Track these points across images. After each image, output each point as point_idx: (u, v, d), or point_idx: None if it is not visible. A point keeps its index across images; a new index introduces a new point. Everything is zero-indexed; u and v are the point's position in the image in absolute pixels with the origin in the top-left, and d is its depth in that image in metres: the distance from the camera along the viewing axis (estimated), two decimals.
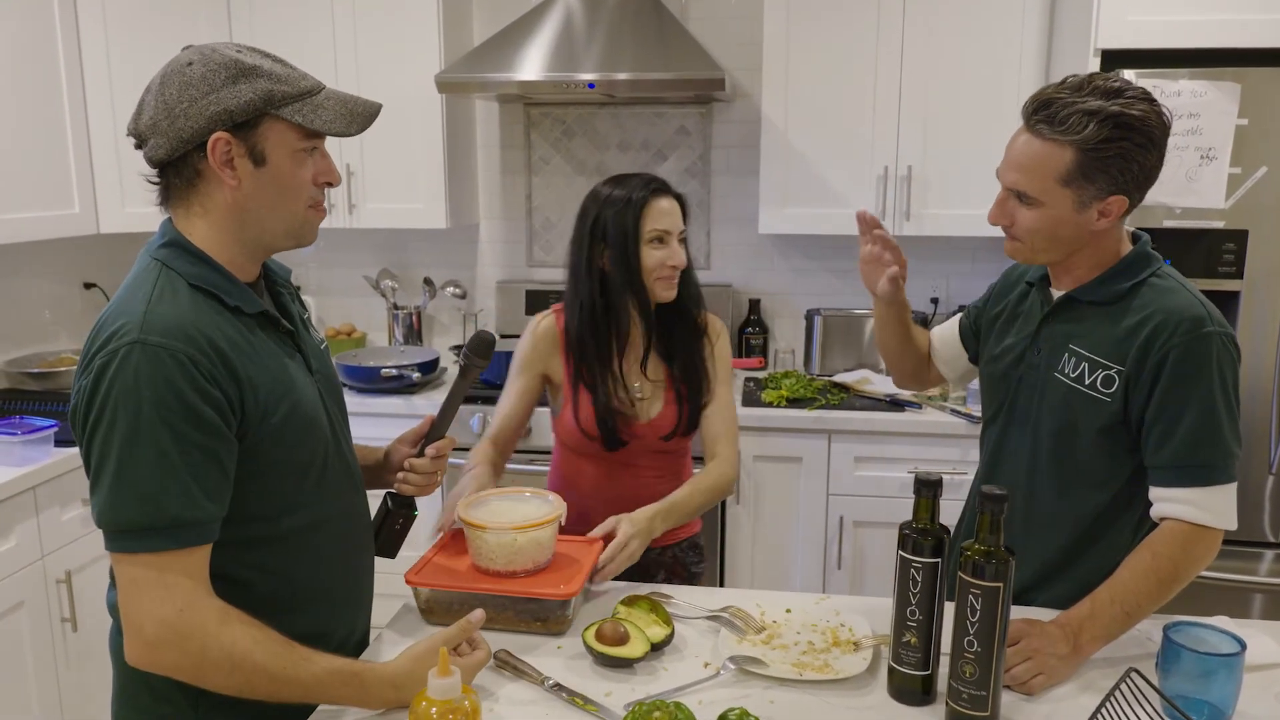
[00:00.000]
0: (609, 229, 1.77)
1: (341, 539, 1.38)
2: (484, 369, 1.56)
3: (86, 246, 3.26)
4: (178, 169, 1.21)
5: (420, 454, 1.51)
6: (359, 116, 1.25)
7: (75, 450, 2.37)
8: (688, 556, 1.97)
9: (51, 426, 2.39)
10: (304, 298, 1.41)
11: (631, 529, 1.63)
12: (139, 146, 1.23)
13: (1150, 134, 1.35)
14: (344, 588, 1.40)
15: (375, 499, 1.52)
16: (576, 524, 1.84)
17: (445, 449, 1.52)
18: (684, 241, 1.82)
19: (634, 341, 1.87)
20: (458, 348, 3.51)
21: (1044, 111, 1.37)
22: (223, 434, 1.17)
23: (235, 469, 1.20)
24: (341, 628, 1.40)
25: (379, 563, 1.52)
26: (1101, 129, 1.33)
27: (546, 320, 1.90)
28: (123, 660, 1.21)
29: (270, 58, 1.22)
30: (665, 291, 1.81)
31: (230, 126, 1.18)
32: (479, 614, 1.30)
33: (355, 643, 1.43)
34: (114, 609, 1.26)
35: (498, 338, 1.58)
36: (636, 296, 1.81)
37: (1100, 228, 1.41)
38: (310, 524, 1.31)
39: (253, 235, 1.25)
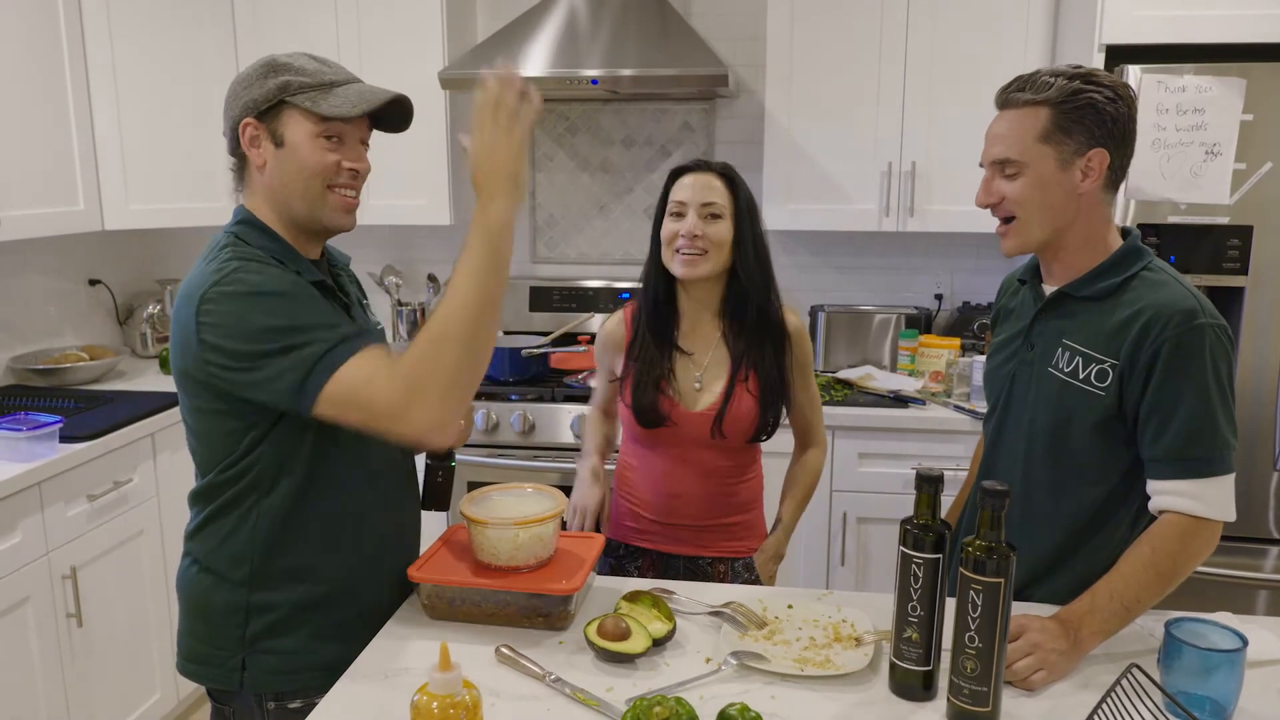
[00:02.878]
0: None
1: (388, 492, 1.52)
2: None
3: (91, 243, 3.27)
4: (235, 153, 1.43)
5: None
6: (364, 101, 1.38)
7: (80, 446, 2.41)
8: (740, 577, 1.93)
9: (57, 422, 2.39)
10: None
11: (763, 576, 1.92)
12: None
13: (1116, 89, 1.41)
14: (391, 533, 1.54)
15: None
16: (627, 519, 1.93)
17: None
18: (717, 218, 1.78)
19: (702, 331, 1.87)
20: None
21: (1016, 83, 1.46)
22: (317, 296, 1.35)
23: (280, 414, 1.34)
24: (388, 562, 1.52)
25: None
26: (1070, 83, 1.41)
27: (612, 320, 1.96)
28: (188, 594, 1.45)
29: (314, 59, 1.40)
30: (680, 267, 1.79)
31: (257, 114, 1.37)
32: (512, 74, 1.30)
33: (400, 579, 1.54)
34: (186, 542, 1.45)
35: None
36: (669, 279, 1.84)
37: (1087, 189, 1.43)
38: (352, 481, 1.44)
39: (287, 214, 1.41)
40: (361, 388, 1.26)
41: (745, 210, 1.81)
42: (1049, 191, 1.43)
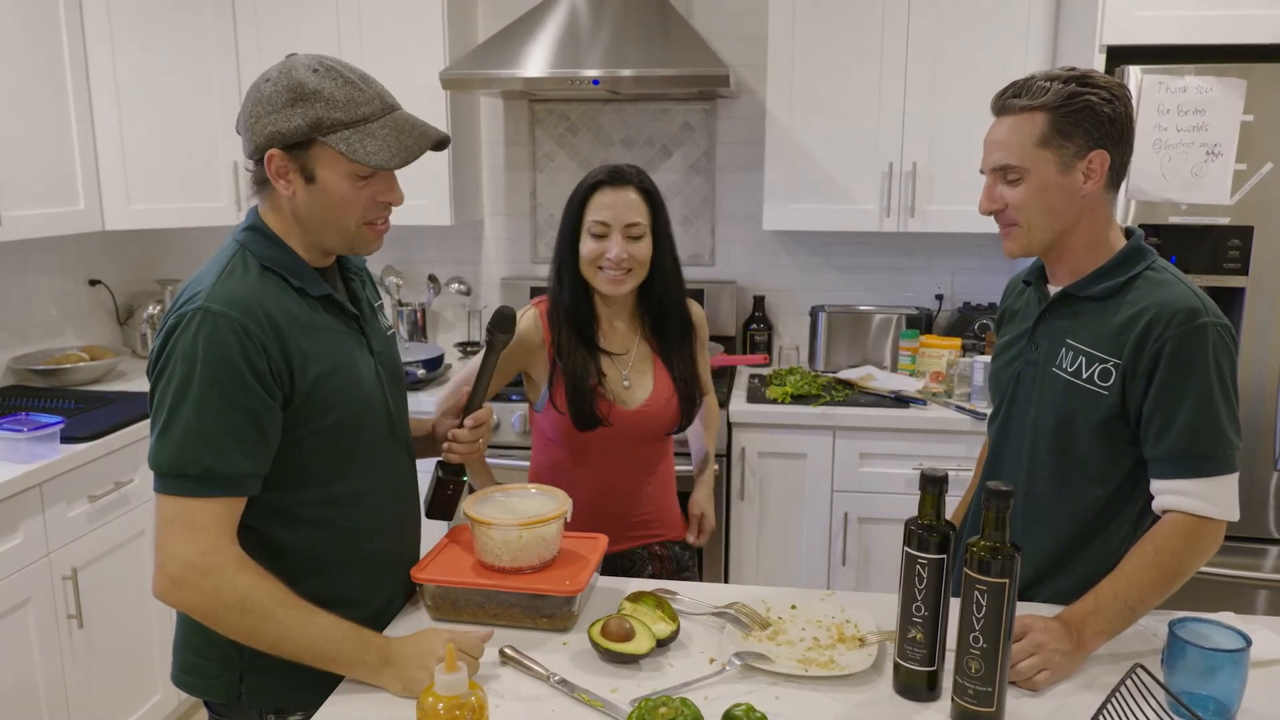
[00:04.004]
0: (564, 214, 1.83)
1: (389, 506, 1.50)
2: (507, 343, 1.63)
3: (92, 243, 3.27)
4: (258, 166, 1.34)
5: (461, 425, 1.60)
6: (405, 149, 1.33)
7: (81, 447, 2.42)
8: (672, 551, 2.01)
9: (58, 423, 2.39)
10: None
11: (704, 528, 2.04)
12: None
13: (1112, 90, 1.41)
14: (393, 544, 1.51)
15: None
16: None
17: (483, 419, 1.61)
18: (639, 238, 1.78)
19: (619, 331, 1.89)
20: (463, 344, 3.52)
21: (1010, 90, 1.46)
22: (264, 399, 1.28)
23: (280, 433, 1.32)
24: (387, 586, 1.50)
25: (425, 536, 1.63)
26: (1066, 87, 1.41)
27: (525, 320, 1.85)
28: None
29: (343, 78, 1.30)
30: (606, 285, 1.79)
31: (284, 146, 1.29)
32: (488, 633, 1.37)
33: (401, 588, 1.53)
34: None
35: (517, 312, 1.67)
36: (585, 285, 1.83)
37: (1089, 191, 1.43)
38: (359, 490, 1.42)
39: (311, 239, 1.38)
40: (162, 526, 1.26)
41: (662, 222, 1.82)
42: (1051, 196, 1.43)
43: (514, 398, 2.93)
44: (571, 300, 1.84)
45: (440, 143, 1.38)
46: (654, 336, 1.90)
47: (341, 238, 1.37)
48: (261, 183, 1.36)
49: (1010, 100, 1.45)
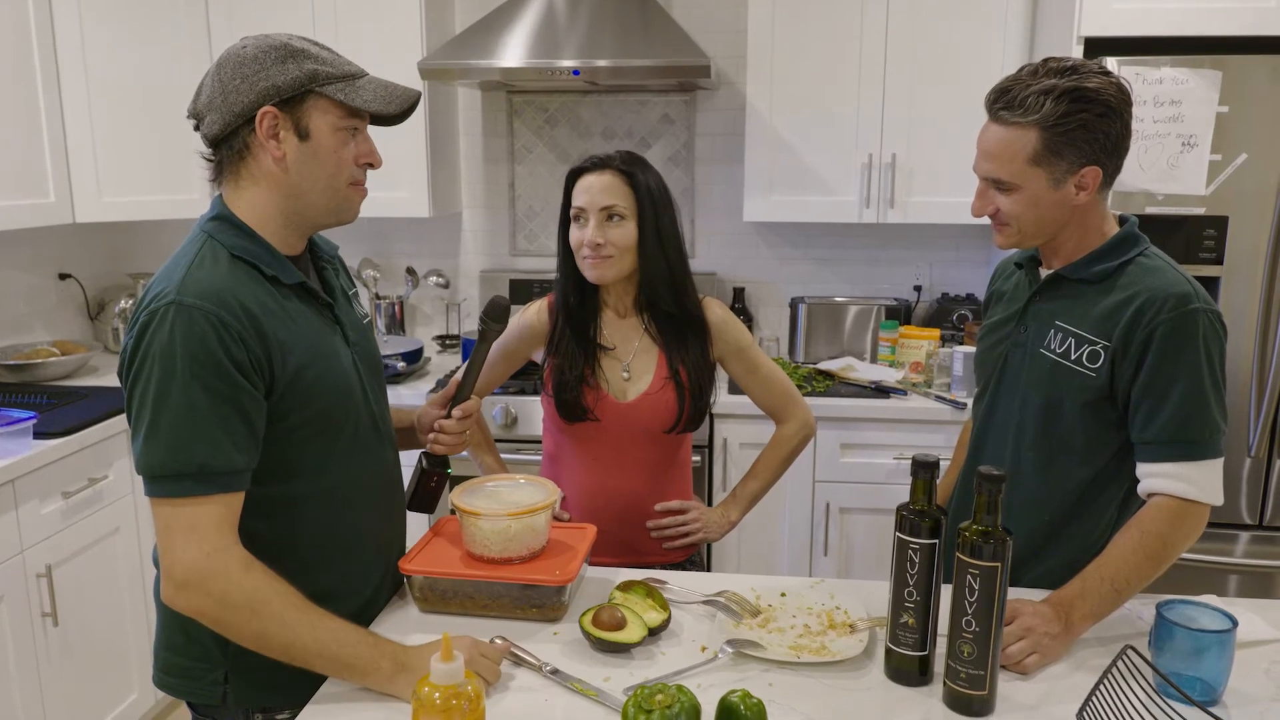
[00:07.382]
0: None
1: (374, 498, 1.47)
2: (500, 333, 1.60)
3: (62, 236, 3.21)
4: (230, 143, 1.31)
5: (448, 416, 1.58)
6: (397, 98, 1.33)
7: (54, 443, 2.38)
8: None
9: (30, 418, 2.35)
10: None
11: (698, 512, 1.87)
12: (197, 127, 1.34)
13: (1108, 102, 1.38)
14: (375, 544, 1.48)
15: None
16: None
17: (471, 410, 1.59)
18: (619, 223, 1.72)
19: (625, 324, 1.84)
20: (441, 337, 3.49)
21: (1003, 99, 1.41)
22: (249, 390, 1.24)
23: (265, 425, 1.28)
24: (373, 579, 1.48)
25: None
26: (1059, 105, 1.37)
27: (535, 307, 1.88)
28: (163, 604, 1.29)
29: (320, 45, 1.32)
30: (587, 272, 1.75)
31: (278, 102, 1.26)
32: (504, 646, 1.36)
33: (388, 583, 1.52)
34: (156, 560, 1.31)
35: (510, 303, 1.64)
36: (580, 274, 1.78)
37: (1081, 201, 1.43)
38: (343, 483, 1.40)
39: (296, 209, 1.33)
40: (162, 531, 1.22)
41: (648, 205, 1.74)
42: (1043, 207, 1.43)
43: (495, 390, 2.90)
44: (564, 294, 1.82)
45: (414, 102, 1.37)
46: (657, 329, 1.82)
47: (329, 200, 1.33)
48: (230, 162, 1.31)
49: (1001, 112, 1.41)
